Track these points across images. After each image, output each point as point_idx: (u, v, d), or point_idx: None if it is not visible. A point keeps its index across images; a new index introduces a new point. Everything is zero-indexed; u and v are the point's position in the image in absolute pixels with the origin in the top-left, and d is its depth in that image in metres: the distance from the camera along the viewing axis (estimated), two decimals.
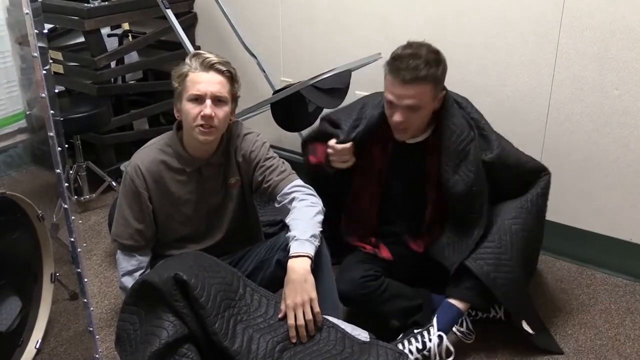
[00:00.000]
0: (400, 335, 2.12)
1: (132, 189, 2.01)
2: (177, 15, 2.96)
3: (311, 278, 1.82)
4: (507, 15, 2.53)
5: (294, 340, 1.79)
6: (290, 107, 2.59)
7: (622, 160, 2.45)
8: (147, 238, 2.06)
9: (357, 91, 3.00)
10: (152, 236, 2.08)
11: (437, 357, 2.06)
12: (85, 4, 3.11)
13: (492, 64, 2.62)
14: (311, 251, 1.85)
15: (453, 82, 2.74)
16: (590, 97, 2.45)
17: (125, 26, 3.54)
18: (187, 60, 1.97)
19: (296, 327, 1.79)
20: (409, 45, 2.03)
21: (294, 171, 2.11)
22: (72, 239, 1.77)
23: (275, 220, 2.62)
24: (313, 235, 1.88)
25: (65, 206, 1.73)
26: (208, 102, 1.92)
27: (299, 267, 1.82)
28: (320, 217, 1.98)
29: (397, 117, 2.04)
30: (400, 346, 2.04)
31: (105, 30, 3.40)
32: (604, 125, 2.45)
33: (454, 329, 2.15)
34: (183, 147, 2.04)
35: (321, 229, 1.94)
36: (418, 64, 1.95)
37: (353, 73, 2.63)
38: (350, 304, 2.14)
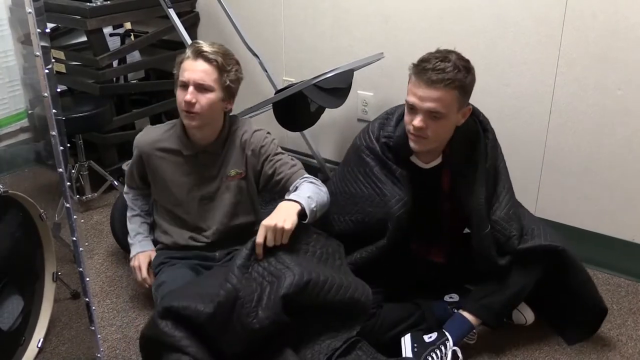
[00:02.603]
0: (409, 338, 2.08)
1: (133, 160, 2.27)
2: (179, 15, 2.96)
3: (295, 218, 1.89)
4: (510, 16, 2.53)
5: (259, 258, 1.88)
6: (293, 107, 2.59)
7: (625, 160, 2.45)
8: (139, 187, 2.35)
9: (359, 91, 3.00)
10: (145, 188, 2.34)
11: None
12: (88, 3, 3.11)
13: (494, 64, 2.62)
14: (304, 203, 1.93)
15: None
16: (593, 97, 2.44)
17: (128, 25, 3.54)
18: (186, 49, 2.09)
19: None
20: (438, 50, 1.95)
21: (302, 166, 2.20)
22: (74, 238, 1.77)
23: None
24: (310, 197, 1.97)
25: (68, 205, 1.73)
26: (190, 88, 2.02)
27: (288, 205, 1.93)
28: (324, 193, 2.08)
29: (416, 122, 1.90)
30: None
31: (107, 30, 3.40)
32: (606, 125, 2.45)
33: None
34: (184, 131, 2.15)
35: (322, 202, 2.03)
36: (446, 66, 1.86)
37: (355, 73, 2.63)
38: None
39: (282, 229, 1.85)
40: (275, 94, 2.65)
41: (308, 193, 2.00)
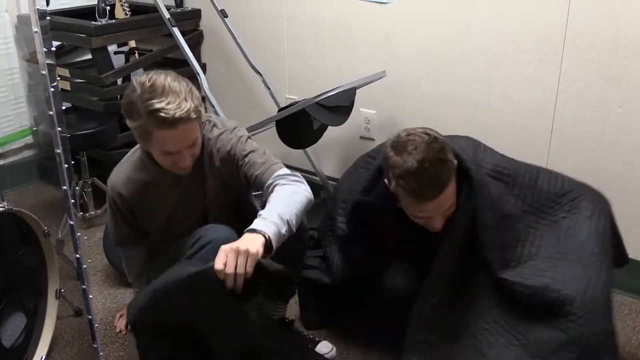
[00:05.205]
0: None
1: (115, 209, 2.03)
2: (183, 33, 2.99)
3: (260, 248, 1.63)
4: (511, 34, 2.54)
5: (229, 286, 1.62)
6: (296, 125, 2.59)
7: (627, 178, 2.45)
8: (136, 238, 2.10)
9: (361, 109, 3.02)
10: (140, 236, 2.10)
11: None
12: (93, 22, 3.14)
13: (495, 82, 2.63)
14: (269, 231, 1.66)
15: (455, 101, 2.76)
16: (594, 115, 2.45)
17: (132, 43, 3.57)
18: (142, 114, 1.73)
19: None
20: (417, 166, 1.79)
21: (276, 160, 1.97)
22: (78, 256, 1.78)
23: None
24: (280, 216, 1.71)
25: (72, 223, 1.74)
26: (185, 153, 1.83)
27: (252, 236, 1.65)
28: (300, 199, 1.82)
29: (437, 226, 1.91)
30: None
31: (112, 48, 3.43)
32: (608, 143, 2.45)
33: None
34: (154, 161, 1.95)
35: (298, 212, 1.79)
36: (436, 176, 1.80)
37: (357, 91, 2.65)
38: None
39: (247, 252, 1.59)
40: (278, 111, 2.66)
41: (278, 209, 1.74)
